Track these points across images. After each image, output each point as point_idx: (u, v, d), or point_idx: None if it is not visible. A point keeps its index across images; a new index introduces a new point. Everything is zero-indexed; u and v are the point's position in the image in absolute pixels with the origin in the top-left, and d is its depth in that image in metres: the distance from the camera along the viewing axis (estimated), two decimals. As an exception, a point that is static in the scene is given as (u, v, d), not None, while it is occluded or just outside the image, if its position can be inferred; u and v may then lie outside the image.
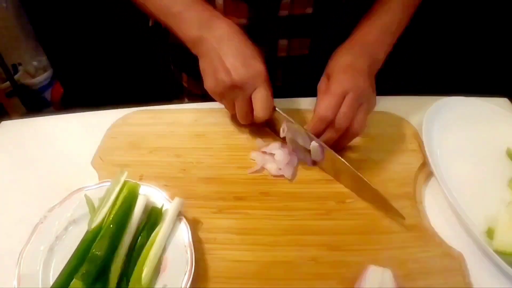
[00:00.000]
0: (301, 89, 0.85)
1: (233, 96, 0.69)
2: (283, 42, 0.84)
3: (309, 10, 0.78)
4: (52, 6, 1.90)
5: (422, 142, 0.72)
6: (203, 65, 0.70)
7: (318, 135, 0.68)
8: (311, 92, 0.75)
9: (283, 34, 0.83)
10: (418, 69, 1.65)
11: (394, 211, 0.62)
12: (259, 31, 0.80)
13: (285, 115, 0.71)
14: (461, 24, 1.59)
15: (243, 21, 0.80)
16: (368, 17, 0.77)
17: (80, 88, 2.23)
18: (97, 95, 1.90)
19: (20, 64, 2.22)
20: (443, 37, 1.59)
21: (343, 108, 0.65)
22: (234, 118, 0.77)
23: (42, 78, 2.25)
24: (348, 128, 0.66)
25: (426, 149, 0.70)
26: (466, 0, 1.55)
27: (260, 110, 0.68)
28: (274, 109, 0.71)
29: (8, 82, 2.06)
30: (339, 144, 0.70)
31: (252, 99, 0.68)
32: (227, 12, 0.78)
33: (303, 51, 0.87)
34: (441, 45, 1.63)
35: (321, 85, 0.71)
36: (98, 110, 0.85)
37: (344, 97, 0.65)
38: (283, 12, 0.78)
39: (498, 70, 1.60)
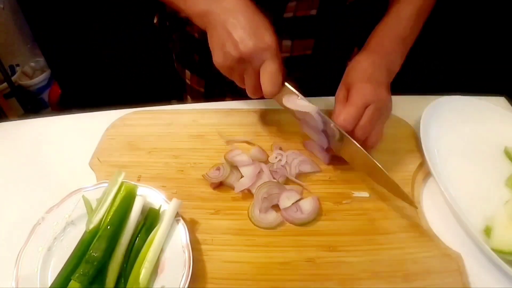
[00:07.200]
0: (306, 88, 0.84)
1: (242, 69, 0.65)
2: (286, 43, 0.84)
3: (313, 12, 0.78)
4: (50, 7, 1.90)
5: (420, 141, 0.72)
6: (211, 40, 0.65)
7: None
8: (316, 91, 0.74)
9: (286, 35, 0.83)
10: (415, 68, 1.65)
11: (406, 198, 0.62)
12: None
13: (295, 90, 0.67)
14: (459, 23, 1.59)
15: None
16: (382, 25, 0.74)
17: (78, 89, 2.22)
18: (95, 96, 1.89)
19: (17, 65, 2.21)
20: (440, 36, 1.59)
21: (363, 121, 0.63)
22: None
23: (39, 79, 2.25)
24: (365, 140, 0.65)
25: (424, 148, 0.70)
26: (463, 0, 1.55)
27: (267, 85, 0.63)
28: (283, 84, 0.66)
29: (5, 83, 2.06)
30: None
31: (260, 73, 0.64)
32: None
33: (306, 52, 0.86)
34: (438, 44, 1.63)
35: (339, 94, 0.69)
36: (96, 111, 0.84)
37: (364, 109, 0.63)
38: (288, 14, 0.79)
39: (496, 68, 1.60)
